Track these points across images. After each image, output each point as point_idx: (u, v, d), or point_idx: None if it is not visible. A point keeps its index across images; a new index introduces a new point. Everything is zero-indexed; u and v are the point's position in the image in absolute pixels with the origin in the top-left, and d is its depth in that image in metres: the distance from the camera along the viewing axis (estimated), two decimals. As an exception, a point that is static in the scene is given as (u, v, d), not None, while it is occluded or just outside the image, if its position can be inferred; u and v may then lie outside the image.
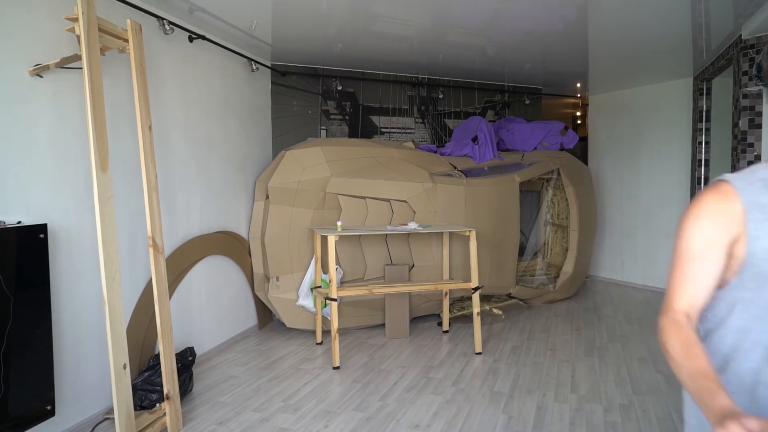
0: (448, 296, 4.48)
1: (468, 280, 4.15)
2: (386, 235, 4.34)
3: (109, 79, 2.90)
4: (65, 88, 2.64)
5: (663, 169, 6.02)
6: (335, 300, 3.53)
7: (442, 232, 4.38)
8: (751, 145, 3.93)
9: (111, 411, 2.90)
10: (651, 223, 6.16)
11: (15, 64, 2.39)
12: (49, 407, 2.39)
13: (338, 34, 4.20)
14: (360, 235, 4.28)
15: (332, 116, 5.40)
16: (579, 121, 9.68)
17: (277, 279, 4.20)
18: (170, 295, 3.47)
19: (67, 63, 2.53)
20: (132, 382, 2.88)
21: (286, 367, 3.67)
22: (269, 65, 4.93)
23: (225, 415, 2.92)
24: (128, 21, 2.66)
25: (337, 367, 3.61)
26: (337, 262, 4.27)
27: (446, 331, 4.46)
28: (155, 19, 3.30)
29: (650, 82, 6.04)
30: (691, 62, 5.08)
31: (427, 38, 4.33)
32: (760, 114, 3.90)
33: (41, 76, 2.51)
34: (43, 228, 2.38)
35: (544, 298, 5.41)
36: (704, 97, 5.31)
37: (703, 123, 5.32)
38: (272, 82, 5.02)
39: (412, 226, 4.01)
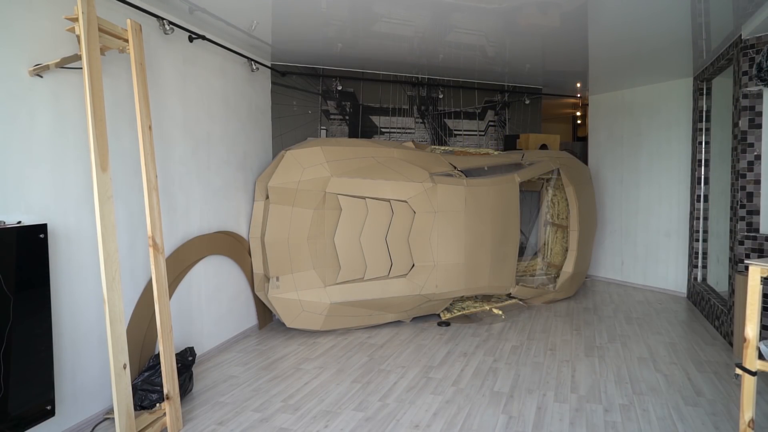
0: None
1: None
2: (386, 234, 4.34)
3: (109, 79, 2.90)
4: (65, 88, 2.64)
5: (663, 169, 6.02)
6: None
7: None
8: (751, 145, 3.93)
9: (111, 411, 2.90)
10: (651, 223, 6.16)
11: (15, 64, 2.39)
12: (49, 407, 2.39)
13: (338, 34, 4.20)
14: (360, 235, 4.28)
15: (332, 116, 5.40)
16: (579, 121, 9.70)
17: (277, 279, 4.20)
18: (170, 295, 3.47)
19: (67, 63, 2.54)
20: (132, 382, 2.88)
21: (286, 367, 3.67)
22: (269, 65, 4.93)
23: (225, 415, 2.92)
24: (128, 21, 2.66)
25: None
26: (337, 262, 4.28)
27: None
28: (155, 19, 3.30)
29: (650, 82, 6.04)
30: (691, 62, 5.08)
31: (427, 38, 4.33)
32: (760, 114, 3.90)
33: (41, 76, 2.52)
34: (43, 228, 2.38)
35: (544, 298, 5.41)
36: (704, 97, 5.32)
37: (703, 123, 5.33)
38: (272, 82, 5.02)
39: None
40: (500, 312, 4.89)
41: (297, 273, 4.20)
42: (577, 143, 8.88)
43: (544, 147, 6.09)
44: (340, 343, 4.20)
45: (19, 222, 2.36)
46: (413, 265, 4.45)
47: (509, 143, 6.25)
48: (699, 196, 5.41)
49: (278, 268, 4.19)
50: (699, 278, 5.45)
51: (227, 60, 4.20)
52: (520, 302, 5.28)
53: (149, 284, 3.20)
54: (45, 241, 2.38)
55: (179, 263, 3.55)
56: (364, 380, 3.41)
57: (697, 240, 5.43)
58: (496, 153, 5.50)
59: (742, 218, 3.96)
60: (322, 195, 4.23)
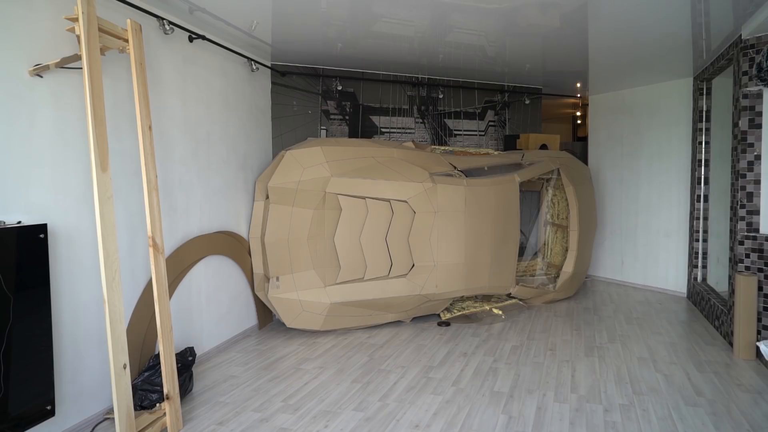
0: None
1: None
2: (386, 234, 4.34)
3: (109, 79, 2.90)
4: (65, 88, 2.64)
5: (663, 169, 6.02)
6: None
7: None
8: (751, 145, 3.93)
9: (111, 411, 2.90)
10: (651, 223, 6.16)
11: (15, 64, 2.39)
12: (49, 407, 2.39)
13: (338, 34, 4.20)
14: (360, 235, 4.28)
15: (332, 116, 5.40)
16: (579, 121, 9.70)
17: (277, 279, 4.20)
18: (170, 295, 3.47)
19: (67, 63, 2.54)
20: (132, 382, 2.88)
21: (286, 367, 3.67)
22: (269, 65, 4.93)
23: (225, 415, 2.92)
24: (128, 21, 2.66)
25: None
26: (337, 262, 4.28)
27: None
28: (155, 19, 3.30)
29: (650, 82, 6.04)
30: (691, 62, 5.08)
31: (427, 38, 4.33)
32: (760, 114, 3.90)
33: (41, 76, 2.52)
34: (43, 228, 2.38)
35: (544, 298, 5.41)
36: (704, 97, 5.31)
37: (703, 123, 5.32)
38: (272, 82, 5.02)
39: None
40: (500, 312, 4.89)
41: (297, 273, 4.20)
42: (577, 143, 8.88)
43: (544, 147, 6.09)
44: (340, 343, 4.20)
45: (19, 222, 2.36)
46: (413, 265, 4.45)
47: (509, 143, 6.25)
48: (699, 196, 5.41)
49: (278, 268, 4.19)
50: (699, 278, 5.45)
51: (227, 60, 4.20)
52: (520, 302, 5.28)
53: (149, 284, 3.20)
54: (45, 241, 2.38)
55: (179, 263, 3.55)
56: (364, 380, 3.41)
57: (697, 240, 5.43)
58: (496, 153, 5.50)
59: (742, 218, 3.96)
60: (322, 195, 4.22)
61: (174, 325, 3.49)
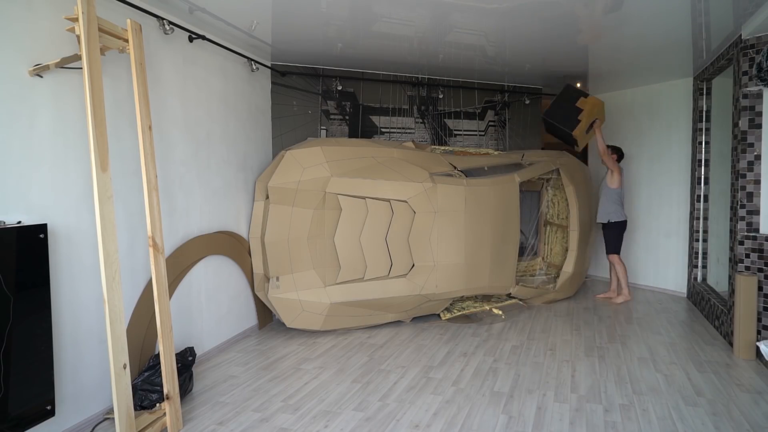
0: None
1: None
2: (386, 234, 4.34)
3: (109, 79, 2.90)
4: (65, 88, 2.64)
5: (663, 169, 6.02)
6: None
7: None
8: (751, 145, 3.93)
9: (111, 411, 2.90)
10: (651, 223, 6.16)
11: (15, 64, 2.39)
12: (49, 407, 2.39)
13: (338, 34, 4.20)
14: (360, 235, 4.28)
15: (332, 116, 5.40)
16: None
17: (277, 279, 4.20)
18: (170, 295, 3.47)
19: (67, 63, 2.54)
20: (132, 382, 2.88)
21: (286, 367, 3.67)
22: (269, 65, 4.93)
23: (225, 415, 2.92)
24: (128, 21, 2.66)
25: None
26: (337, 262, 4.28)
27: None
28: (155, 19, 3.30)
29: (650, 82, 6.03)
30: (691, 62, 5.08)
31: (427, 38, 4.33)
32: (760, 114, 3.90)
33: (41, 76, 2.52)
34: (43, 228, 2.38)
35: (544, 298, 5.41)
36: (704, 97, 5.31)
37: (703, 123, 5.32)
38: (272, 82, 5.02)
39: None
40: (500, 312, 4.89)
41: (297, 273, 4.20)
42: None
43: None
44: (340, 343, 4.20)
45: (19, 222, 2.36)
46: (413, 265, 4.45)
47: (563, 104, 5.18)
48: (699, 196, 5.41)
49: (278, 268, 4.19)
50: (699, 278, 5.45)
51: (227, 60, 4.20)
52: (520, 302, 5.28)
53: (149, 284, 3.20)
54: (45, 241, 2.38)
55: (179, 263, 3.55)
56: (364, 380, 3.41)
57: (697, 240, 5.43)
58: (496, 153, 5.50)
59: (742, 218, 3.96)
60: (322, 195, 4.22)
61: (174, 325, 3.49)
